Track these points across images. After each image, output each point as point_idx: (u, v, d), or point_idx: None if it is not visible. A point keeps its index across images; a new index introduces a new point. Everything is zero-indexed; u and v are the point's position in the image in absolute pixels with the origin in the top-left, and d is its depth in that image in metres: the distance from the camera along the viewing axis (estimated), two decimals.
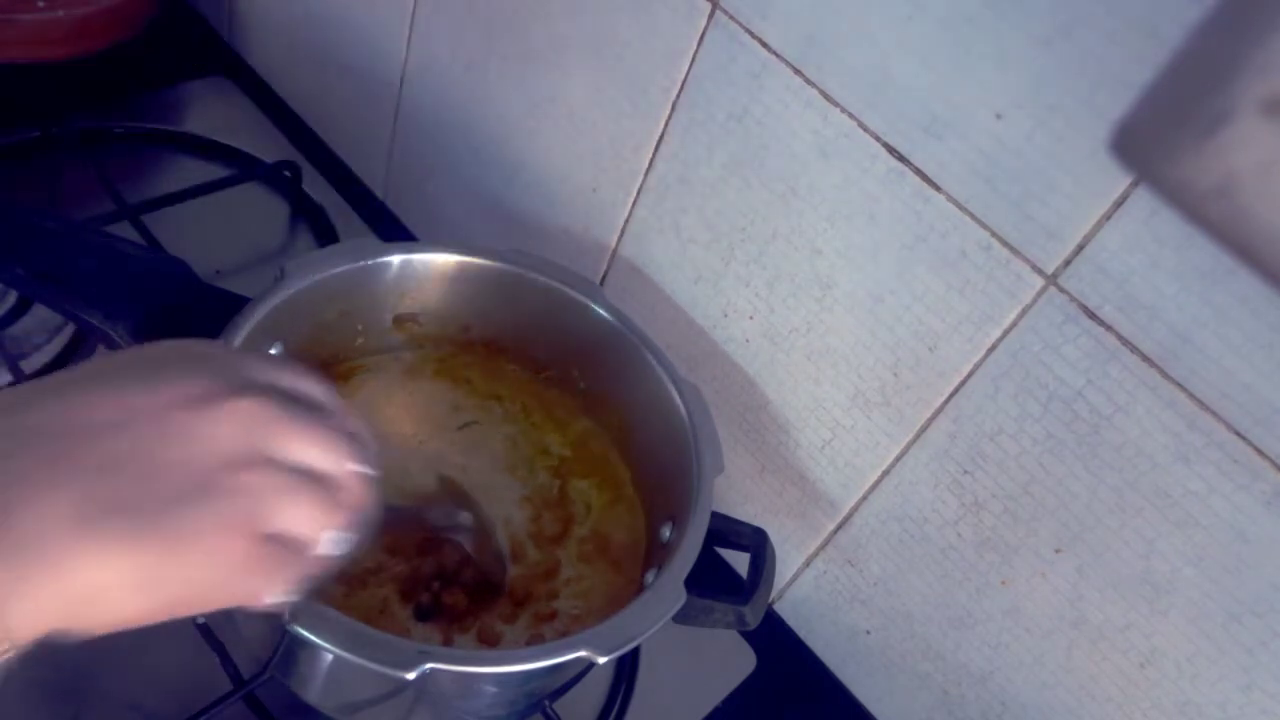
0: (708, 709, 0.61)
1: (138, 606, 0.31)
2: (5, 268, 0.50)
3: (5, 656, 0.29)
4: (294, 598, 0.35)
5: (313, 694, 0.50)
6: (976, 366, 0.50)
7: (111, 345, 0.51)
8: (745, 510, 0.65)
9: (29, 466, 0.30)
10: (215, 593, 0.33)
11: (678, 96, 0.57)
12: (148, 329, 0.50)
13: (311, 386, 0.37)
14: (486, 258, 0.58)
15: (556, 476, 0.59)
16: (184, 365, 0.35)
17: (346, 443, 0.36)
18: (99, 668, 0.51)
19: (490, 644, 0.51)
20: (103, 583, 0.30)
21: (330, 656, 0.42)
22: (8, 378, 0.59)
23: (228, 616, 0.54)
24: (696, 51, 0.54)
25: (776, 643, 0.66)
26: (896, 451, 0.55)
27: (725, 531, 0.53)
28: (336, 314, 0.56)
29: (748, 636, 0.64)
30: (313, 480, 0.35)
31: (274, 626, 0.44)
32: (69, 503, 0.29)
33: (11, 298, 0.61)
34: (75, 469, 0.30)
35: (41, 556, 0.29)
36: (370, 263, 0.55)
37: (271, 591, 0.34)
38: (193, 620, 0.54)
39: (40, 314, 0.61)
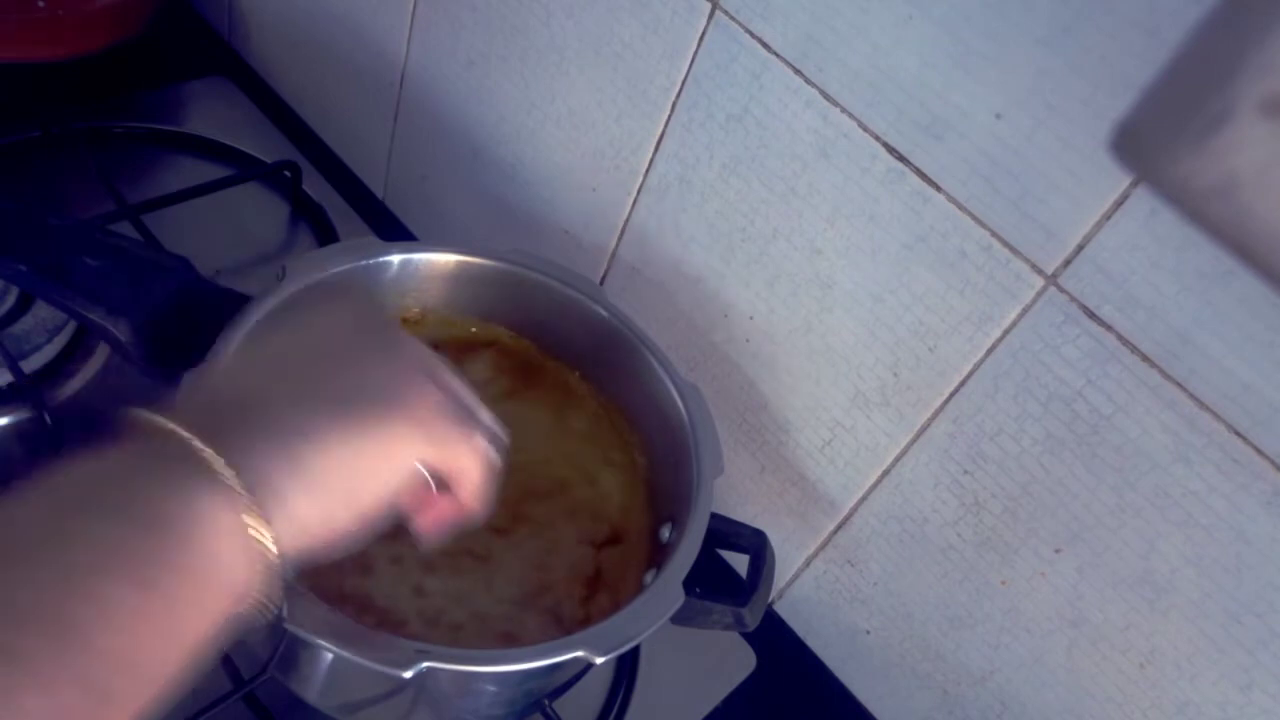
0: (708, 709, 0.61)
1: (374, 476, 0.36)
2: (8, 264, 0.50)
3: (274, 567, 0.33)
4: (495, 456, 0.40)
5: (312, 694, 0.50)
6: (976, 366, 0.50)
7: (113, 342, 0.51)
8: (745, 511, 0.65)
9: (265, 391, 0.36)
10: (427, 445, 0.37)
11: (678, 96, 0.57)
12: (150, 326, 0.50)
13: None
14: (486, 257, 0.58)
15: (562, 477, 0.59)
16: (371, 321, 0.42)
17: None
18: None
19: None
20: (343, 459, 0.34)
21: (330, 656, 0.42)
22: (8, 378, 0.59)
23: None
24: (696, 51, 0.54)
25: (776, 643, 0.66)
26: (896, 452, 0.55)
27: (725, 533, 0.53)
28: None
29: (748, 636, 0.64)
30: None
31: (274, 626, 0.44)
32: (298, 404, 0.35)
33: (12, 297, 0.61)
34: (295, 383, 0.36)
35: (293, 449, 0.34)
36: (370, 262, 0.55)
37: (476, 447, 0.39)
38: None
39: (40, 314, 0.61)
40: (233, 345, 0.47)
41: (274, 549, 0.32)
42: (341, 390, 0.36)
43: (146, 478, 0.31)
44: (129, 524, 0.30)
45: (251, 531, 0.32)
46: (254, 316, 0.49)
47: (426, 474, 0.38)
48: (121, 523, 0.30)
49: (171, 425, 0.32)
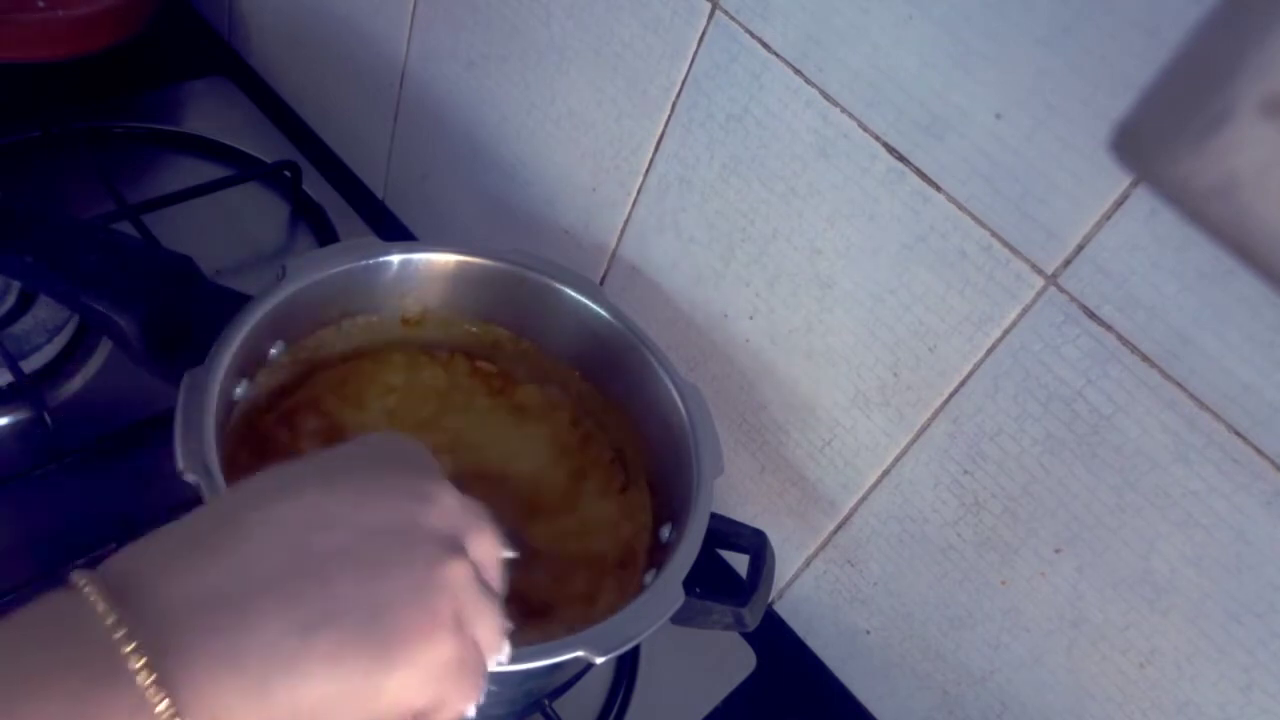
0: (708, 709, 0.61)
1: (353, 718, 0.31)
2: (14, 258, 0.50)
3: None
4: (478, 706, 0.35)
5: None
6: (976, 366, 0.50)
7: (116, 335, 0.51)
8: (745, 511, 0.65)
9: (246, 593, 0.30)
10: (424, 697, 0.33)
11: (678, 96, 0.57)
12: (152, 321, 0.50)
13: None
14: (486, 257, 0.58)
15: (560, 476, 0.59)
16: (379, 467, 0.36)
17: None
18: None
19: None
20: (323, 695, 0.30)
21: None
22: (8, 378, 0.59)
23: None
24: (696, 51, 0.54)
25: (776, 643, 0.66)
26: (896, 452, 0.55)
27: (725, 533, 0.53)
28: (337, 313, 0.56)
29: (748, 636, 0.64)
30: (490, 584, 0.36)
31: None
32: (288, 621, 0.30)
33: (12, 297, 0.61)
34: (289, 587, 0.31)
35: (264, 680, 0.29)
36: (370, 262, 0.55)
37: (471, 698, 0.35)
38: None
39: (40, 314, 0.61)
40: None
41: None
42: (347, 611, 0.31)
43: (58, 674, 0.27)
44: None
45: None
46: (254, 316, 0.49)
47: None
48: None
49: (105, 616, 0.28)
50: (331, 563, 0.32)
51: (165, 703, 0.28)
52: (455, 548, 0.34)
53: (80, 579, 0.29)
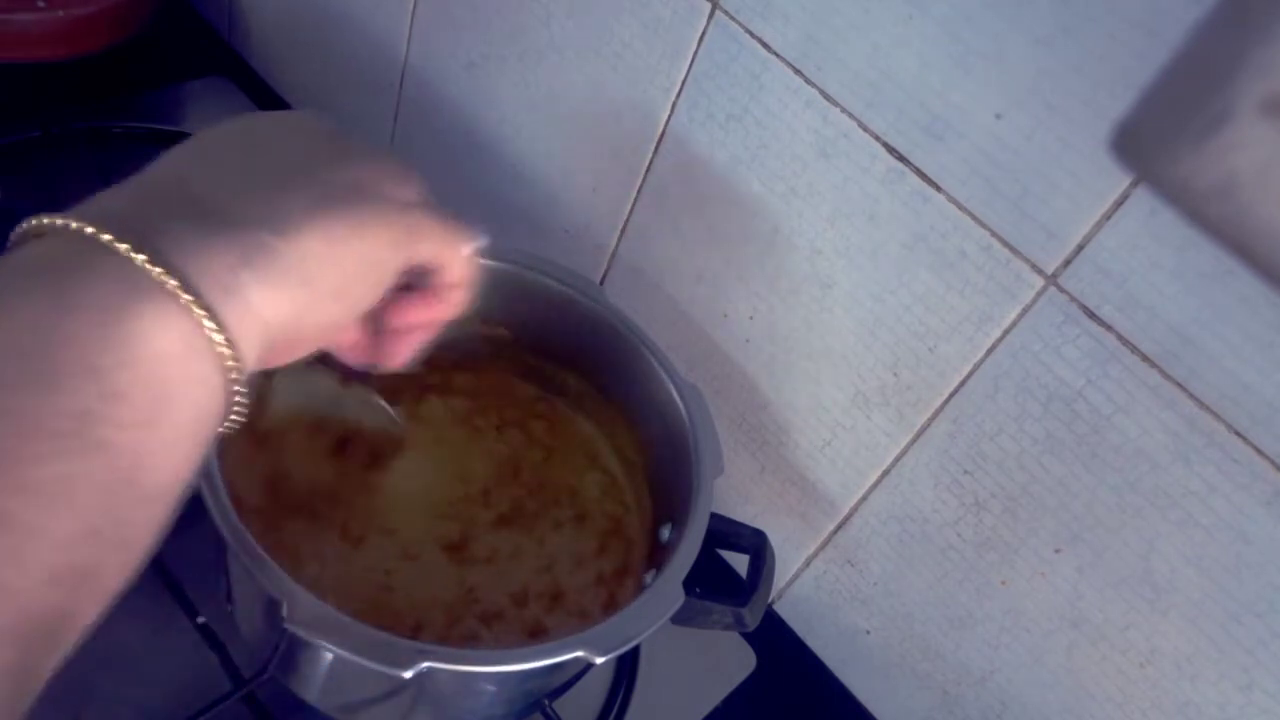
0: (708, 709, 0.61)
1: (362, 268, 0.33)
2: None
3: (236, 370, 0.28)
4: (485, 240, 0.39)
5: (312, 694, 0.50)
6: (976, 366, 0.50)
7: None
8: (745, 511, 0.65)
9: (215, 190, 0.31)
10: (418, 239, 0.36)
11: (678, 96, 0.57)
12: None
13: None
14: (486, 257, 0.58)
15: (558, 476, 0.59)
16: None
17: None
18: (99, 668, 0.51)
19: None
20: (318, 253, 0.30)
21: (330, 656, 0.42)
22: None
23: (228, 615, 0.54)
24: (696, 51, 0.54)
25: (776, 643, 0.66)
26: (896, 451, 0.55)
27: (725, 533, 0.53)
28: None
29: (748, 636, 0.64)
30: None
31: (274, 626, 0.44)
32: (276, 197, 0.31)
33: None
34: (278, 174, 0.32)
35: (256, 245, 0.29)
36: None
37: (467, 236, 0.39)
38: (193, 620, 0.54)
39: None
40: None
41: (234, 354, 0.28)
42: (311, 182, 0.32)
43: (46, 301, 0.25)
44: (33, 373, 0.24)
45: (204, 341, 0.27)
46: None
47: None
48: (26, 374, 0.24)
49: (81, 226, 0.26)
50: (294, 159, 0.33)
51: (158, 271, 0.26)
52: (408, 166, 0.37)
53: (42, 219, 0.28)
